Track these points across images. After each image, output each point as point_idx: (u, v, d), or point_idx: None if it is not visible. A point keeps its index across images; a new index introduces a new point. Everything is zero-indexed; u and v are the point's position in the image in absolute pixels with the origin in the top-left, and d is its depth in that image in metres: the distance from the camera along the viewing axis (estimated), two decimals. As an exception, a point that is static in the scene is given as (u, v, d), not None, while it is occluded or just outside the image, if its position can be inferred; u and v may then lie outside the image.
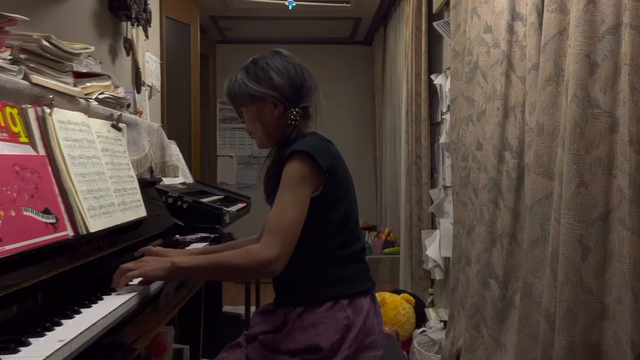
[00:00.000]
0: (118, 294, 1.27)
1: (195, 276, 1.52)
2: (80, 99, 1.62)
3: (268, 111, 1.47)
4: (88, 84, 1.74)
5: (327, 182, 1.39)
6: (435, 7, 3.37)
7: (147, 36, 2.93)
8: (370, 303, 1.46)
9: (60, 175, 1.33)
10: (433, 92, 3.50)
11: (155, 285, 1.41)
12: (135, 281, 1.36)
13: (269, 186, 1.47)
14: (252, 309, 3.29)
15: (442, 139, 3.14)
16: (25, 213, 1.14)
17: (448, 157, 3.00)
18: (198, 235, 2.10)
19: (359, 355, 1.40)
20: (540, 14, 1.88)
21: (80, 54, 1.60)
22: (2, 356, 0.89)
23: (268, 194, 1.49)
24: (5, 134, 1.20)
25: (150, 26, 2.90)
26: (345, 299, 1.40)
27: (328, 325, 1.37)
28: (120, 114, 1.83)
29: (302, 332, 1.38)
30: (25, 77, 1.35)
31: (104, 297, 1.24)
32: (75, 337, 0.98)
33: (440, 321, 3.02)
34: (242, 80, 1.47)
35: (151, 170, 2.34)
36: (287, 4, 4.33)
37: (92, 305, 1.17)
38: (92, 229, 1.37)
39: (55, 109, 1.40)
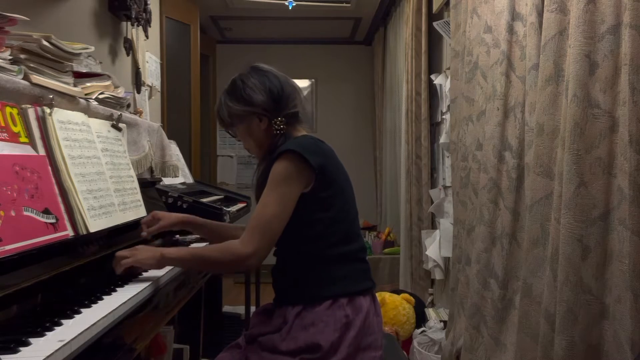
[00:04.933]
0: (118, 294, 1.28)
1: (180, 266, 1.56)
2: (80, 99, 1.62)
3: (255, 126, 1.53)
4: (88, 84, 1.74)
5: (317, 178, 1.41)
6: (435, 7, 3.37)
7: (147, 36, 2.93)
8: (370, 302, 1.46)
9: (60, 175, 1.33)
10: (433, 92, 3.50)
11: (157, 284, 1.41)
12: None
13: (259, 192, 1.50)
14: (252, 309, 3.29)
15: (442, 139, 3.14)
16: (25, 213, 1.14)
17: (448, 157, 3.00)
18: (198, 235, 2.09)
19: (359, 355, 1.41)
20: (540, 14, 1.88)
21: (80, 54, 1.60)
22: (2, 356, 0.89)
23: (258, 199, 1.51)
24: (5, 134, 1.20)
25: (150, 26, 2.90)
26: (344, 297, 1.41)
27: (327, 323, 1.37)
28: (120, 114, 1.83)
29: (301, 330, 1.38)
30: (25, 77, 1.35)
31: (104, 297, 1.24)
32: (75, 337, 0.98)
33: (440, 321, 3.02)
34: (225, 102, 1.55)
35: (151, 170, 2.34)
36: (287, 4, 4.32)
37: (92, 305, 1.18)
38: (92, 229, 1.37)
39: (55, 109, 1.40)
